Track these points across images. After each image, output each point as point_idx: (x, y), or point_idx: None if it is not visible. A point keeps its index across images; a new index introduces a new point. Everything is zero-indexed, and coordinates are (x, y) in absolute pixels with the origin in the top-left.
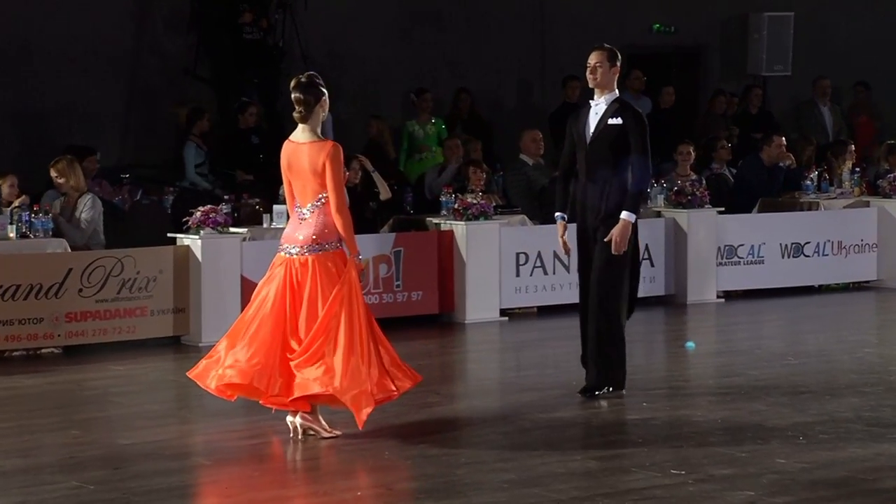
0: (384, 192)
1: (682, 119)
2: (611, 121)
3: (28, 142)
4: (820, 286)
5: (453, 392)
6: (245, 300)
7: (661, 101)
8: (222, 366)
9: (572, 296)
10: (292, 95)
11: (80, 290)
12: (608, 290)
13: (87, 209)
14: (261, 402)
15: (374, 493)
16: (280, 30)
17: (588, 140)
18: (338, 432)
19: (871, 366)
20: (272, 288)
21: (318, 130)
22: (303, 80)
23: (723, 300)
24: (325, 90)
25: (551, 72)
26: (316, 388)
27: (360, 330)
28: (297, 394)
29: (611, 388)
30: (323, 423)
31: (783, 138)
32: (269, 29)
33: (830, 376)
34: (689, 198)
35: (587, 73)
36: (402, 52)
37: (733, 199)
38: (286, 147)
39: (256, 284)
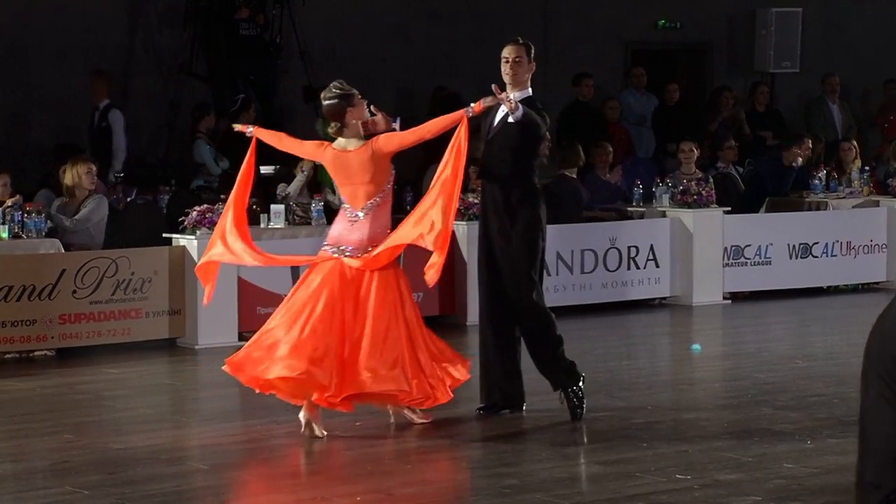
0: None
1: (688, 117)
2: (510, 119)
3: (19, 139)
4: (828, 287)
5: (454, 395)
6: (242, 302)
7: (666, 98)
8: (280, 356)
9: (575, 297)
10: (323, 108)
11: (74, 292)
12: (523, 290)
13: (92, 204)
14: (313, 399)
15: (375, 499)
16: (277, 26)
17: (488, 136)
18: (322, 433)
19: None
20: (328, 285)
21: (361, 133)
22: (330, 94)
23: (729, 302)
24: (353, 93)
25: (554, 68)
26: (387, 387)
27: (421, 331)
28: (370, 388)
29: (579, 386)
30: (320, 424)
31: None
32: (265, 25)
33: (839, 379)
34: (695, 197)
35: (506, 66)
36: (400, 48)
37: (746, 197)
38: (328, 153)
39: (253, 286)
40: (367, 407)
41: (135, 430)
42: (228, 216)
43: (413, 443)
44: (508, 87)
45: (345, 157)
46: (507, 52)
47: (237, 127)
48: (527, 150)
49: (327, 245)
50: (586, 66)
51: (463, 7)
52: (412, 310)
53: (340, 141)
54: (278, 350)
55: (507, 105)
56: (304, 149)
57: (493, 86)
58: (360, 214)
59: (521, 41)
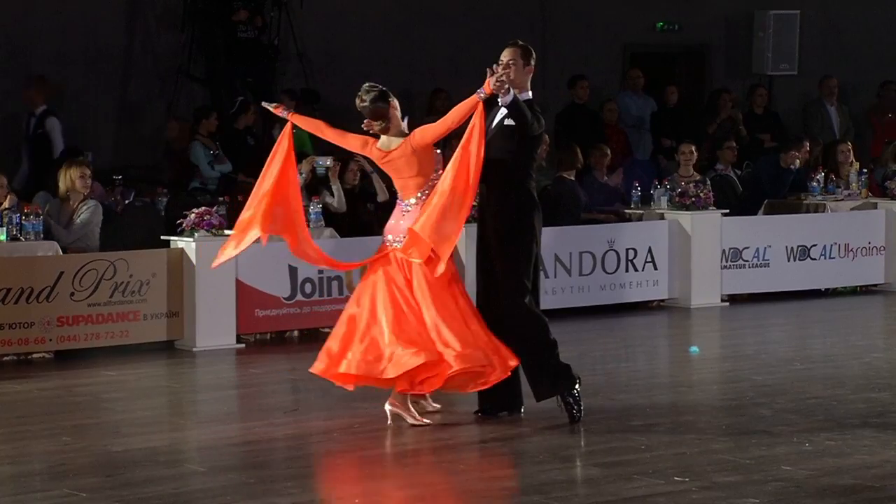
0: (382, 194)
1: (687, 119)
2: (507, 121)
3: (17, 142)
4: (827, 290)
5: (452, 398)
6: (240, 304)
7: (666, 100)
8: (398, 353)
9: (573, 299)
10: (364, 111)
11: (72, 294)
12: (515, 295)
13: (87, 213)
14: (415, 391)
15: (372, 501)
16: (275, 28)
17: (486, 138)
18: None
19: (878, 371)
20: (396, 280)
21: (402, 127)
22: (369, 96)
23: (727, 304)
24: (386, 89)
25: (552, 71)
26: (469, 365)
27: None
28: (457, 366)
29: (575, 389)
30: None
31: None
32: (263, 27)
33: (837, 382)
34: (693, 199)
35: (500, 70)
36: (400, 49)
37: (744, 200)
38: (374, 153)
39: (251, 288)
40: (364, 409)
41: (133, 432)
42: (262, 206)
43: (410, 445)
44: None
45: (389, 157)
46: (502, 56)
47: (269, 106)
48: (523, 153)
49: (385, 236)
50: (585, 67)
51: (462, 8)
52: (462, 291)
53: (384, 140)
54: (391, 348)
55: (500, 86)
56: (348, 142)
57: (488, 69)
58: (412, 205)
59: (519, 43)
